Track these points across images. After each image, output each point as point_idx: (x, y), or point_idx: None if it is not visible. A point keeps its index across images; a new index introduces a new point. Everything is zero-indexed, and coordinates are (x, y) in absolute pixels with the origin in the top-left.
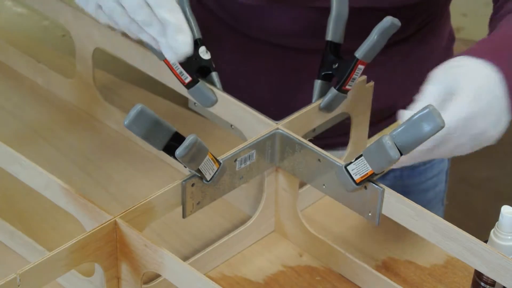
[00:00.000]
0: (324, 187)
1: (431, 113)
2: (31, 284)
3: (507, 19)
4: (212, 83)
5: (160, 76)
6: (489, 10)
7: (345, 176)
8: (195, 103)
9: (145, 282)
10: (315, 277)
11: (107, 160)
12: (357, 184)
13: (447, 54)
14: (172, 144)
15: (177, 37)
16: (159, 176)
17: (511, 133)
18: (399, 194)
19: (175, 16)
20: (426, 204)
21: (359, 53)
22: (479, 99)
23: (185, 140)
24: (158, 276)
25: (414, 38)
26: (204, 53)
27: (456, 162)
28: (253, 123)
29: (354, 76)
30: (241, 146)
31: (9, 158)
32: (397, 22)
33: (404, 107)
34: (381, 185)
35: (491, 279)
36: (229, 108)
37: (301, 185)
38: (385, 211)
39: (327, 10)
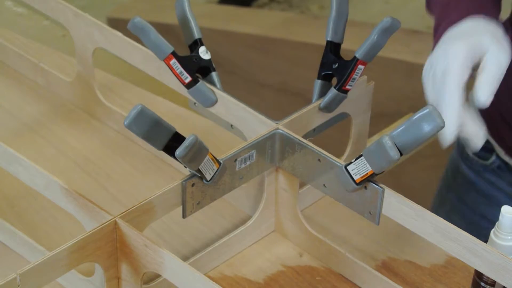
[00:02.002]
0: (324, 187)
1: (431, 113)
2: (31, 284)
3: None
4: (212, 83)
5: (160, 76)
6: None
7: (345, 176)
8: (195, 103)
9: (145, 282)
10: (315, 277)
11: (107, 160)
12: (357, 184)
13: None
14: (172, 144)
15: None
16: (159, 176)
17: None
18: (399, 194)
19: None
20: None
21: (359, 53)
22: None
23: (185, 140)
24: (158, 276)
25: None
26: (204, 53)
27: None
28: (253, 123)
29: (354, 76)
30: (241, 146)
31: (9, 158)
32: (397, 22)
33: None
34: (381, 185)
35: (491, 279)
36: (229, 108)
37: (301, 185)
38: (385, 211)
39: None
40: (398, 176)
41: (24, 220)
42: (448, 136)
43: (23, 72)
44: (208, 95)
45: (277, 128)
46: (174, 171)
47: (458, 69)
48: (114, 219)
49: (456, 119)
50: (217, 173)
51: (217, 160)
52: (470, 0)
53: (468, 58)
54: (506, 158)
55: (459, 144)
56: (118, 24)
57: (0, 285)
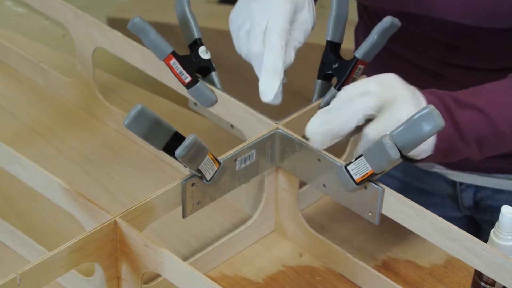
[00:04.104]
0: (324, 187)
1: (431, 113)
2: (31, 284)
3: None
4: (212, 83)
5: (160, 76)
6: None
7: (345, 176)
8: (195, 103)
9: (145, 282)
10: (315, 277)
11: (107, 160)
12: (357, 184)
13: None
14: (172, 144)
15: (268, 82)
16: (159, 176)
17: None
18: (399, 194)
19: (274, 58)
20: None
21: (359, 53)
22: None
23: (185, 140)
24: (158, 276)
25: None
26: (204, 53)
27: None
28: (253, 123)
29: (354, 76)
30: (241, 146)
31: (9, 158)
32: (397, 22)
33: None
34: (381, 185)
35: (491, 279)
36: (229, 108)
37: (301, 185)
38: (385, 211)
39: None
40: None
41: (24, 220)
42: (271, 91)
43: (23, 72)
44: (208, 95)
45: (277, 128)
46: (174, 171)
47: (282, 24)
48: (114, 219)
49: (280, 73)
50: (217, 173)
51: (217, 160)
52: None
53: (289, 10)
54: None
55: None
56: (118, 24)
57: (0, 285)
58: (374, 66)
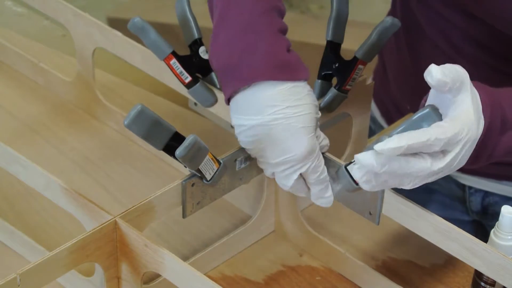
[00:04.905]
0: None
1: (431, 113)
2: (31, 284)
3: None
4: (212, 83)
5: (160, 76)
6: None
7: (345, 176)
8: (195, 103)
9: (145, 282)
10: (315, 277)
11: (107, 160)
12: (357, 184)
13: None
14: (172, 144)
15: (324, 197)
16: (159, 176)
17: None
18: (399, 194)
19: (325, 188)
20: None
21: (359, 53)
22: None
23: (185, 140)
24: (158, 276)
25: None
26: (204, 53)
27: None
28: None
29: (354, 76)
30: (241, 146)
31: (9, 158)
32: (397, 22)
33: None
34: None
35: (491, 279)
36: (229, 108)
37: None
38: (385, 211)
39: None
40: None
41: (24, 220)
42: (331, 200)
43: (23, 72)
44: (208, 95)
45: None
46: (174, 171)
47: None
48: (114, 219)
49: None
50: (217, 173)
51: (217, 160)
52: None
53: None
54: None
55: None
56: (118, 24)
57: (0, 285)
58: (398, 47)
